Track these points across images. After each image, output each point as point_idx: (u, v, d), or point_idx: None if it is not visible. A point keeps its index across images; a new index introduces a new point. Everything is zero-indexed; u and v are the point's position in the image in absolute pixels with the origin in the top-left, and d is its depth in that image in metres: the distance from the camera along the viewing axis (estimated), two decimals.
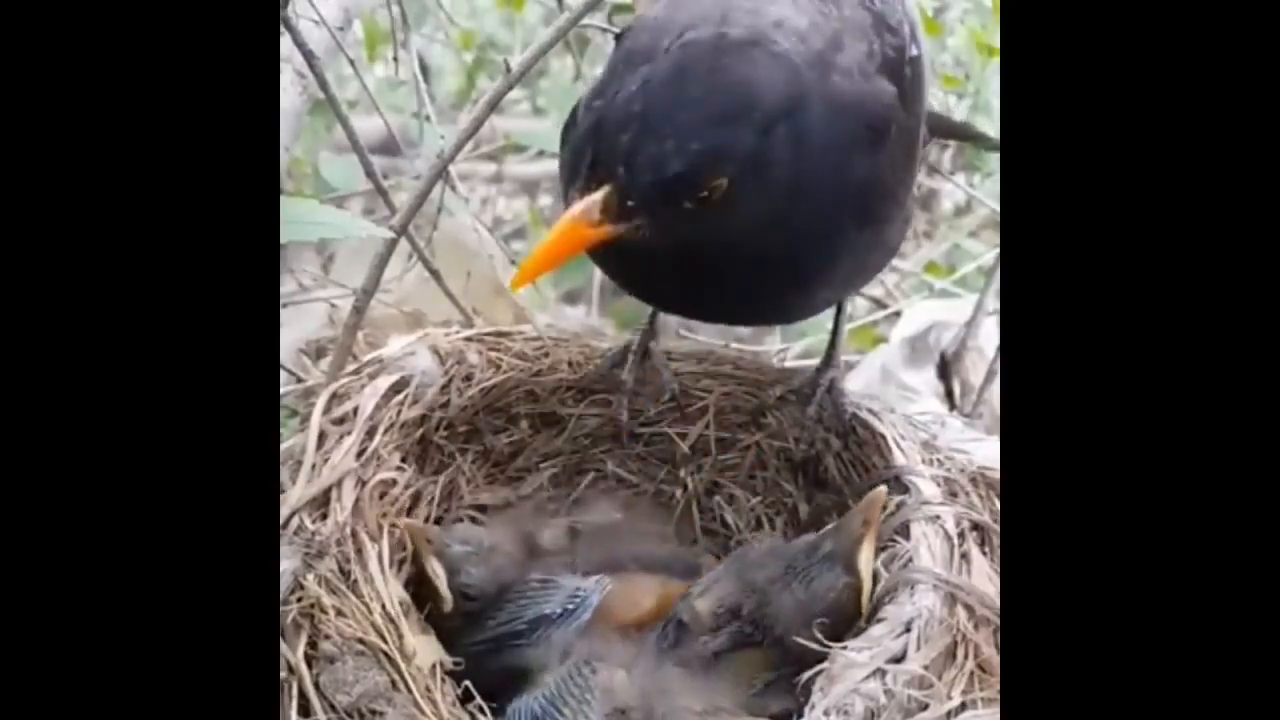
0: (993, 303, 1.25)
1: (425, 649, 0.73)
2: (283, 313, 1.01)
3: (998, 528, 0.81)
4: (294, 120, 1.04)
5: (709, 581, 0.82)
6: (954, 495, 0.84)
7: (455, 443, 0.93)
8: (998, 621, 0.73)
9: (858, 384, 1.18)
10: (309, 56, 0.92)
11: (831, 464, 0.93)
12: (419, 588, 0.80)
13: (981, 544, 0.80)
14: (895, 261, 1.18)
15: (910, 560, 0.77)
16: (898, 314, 1.40)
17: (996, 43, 1.26)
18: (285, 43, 0.90)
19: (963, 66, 1.46)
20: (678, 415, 0.97)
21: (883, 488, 0.81)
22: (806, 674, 0.72)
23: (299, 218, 0.69)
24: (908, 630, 0.72)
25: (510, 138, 1.54)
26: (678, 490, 0.97)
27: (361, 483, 0.81)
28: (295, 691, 0.70)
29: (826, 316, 0.97)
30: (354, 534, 0.77)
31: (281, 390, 0.99)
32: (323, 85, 0.93)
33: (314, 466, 0.81)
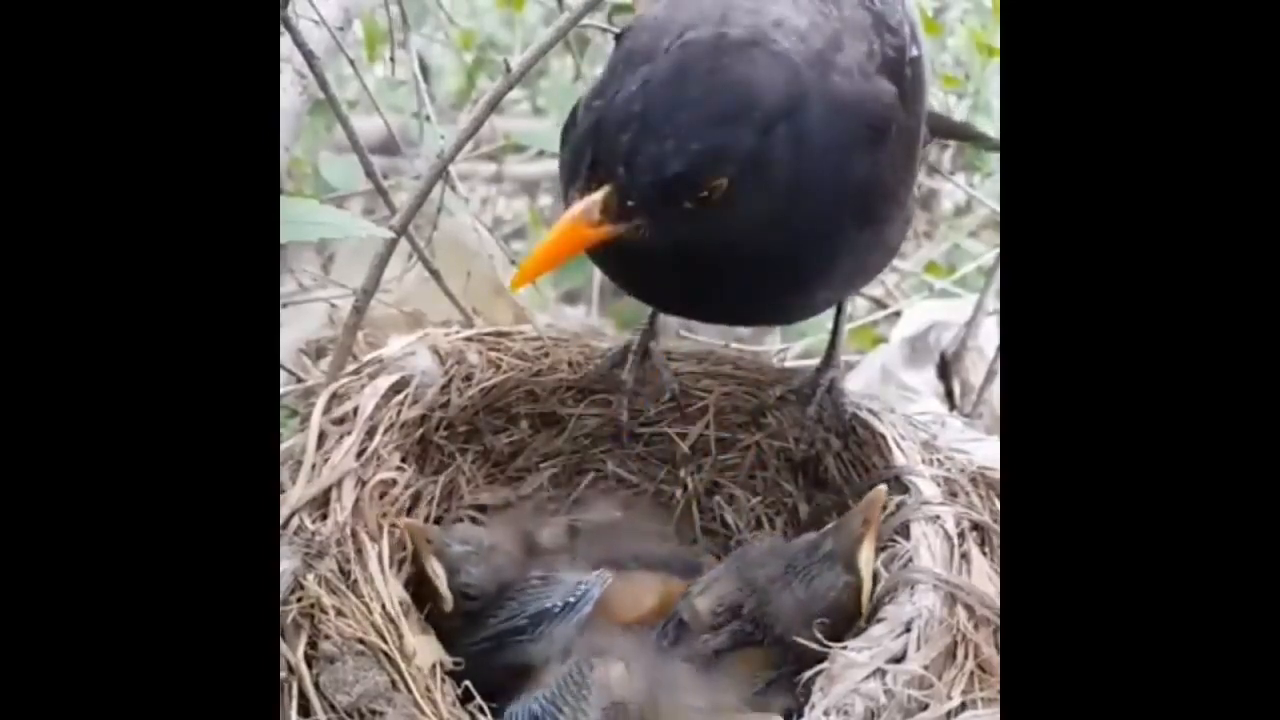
0: (993, 303, 1.25)
1: (425, 649, 0.73)
2: (283, 313, 1.01)
3: (998, 528, 0.81)
4: (294, 120, 1.04)
5: (709, 580, 0.82)
6: (954, 495, 0.84)
7: (455, 443, 0.93)
8: (998, 621, 0.73)
9: (858, 384, 1.18)
10: (309, 56, 0.92)
11: (831, 464, 0.93)
12: (419, 588, 0.80)
13: (981, 544, 0.80)
14: (895, 261, 1.18)
15: (910, 560, 0.77)
16: (898, 314, 1.40)
17: (996, 43, 1.26)
18: (285, 43, 0.90)
19: (963, 66, 1.46)
20: (678, 415, 0.97)
21: (883, 487, 0.81)
22: (807, 674, 0.73)
23: (299, 218, 0.69)
24: (908, 630, 0.72)
25: (510, 138, 1.54)
26: (678, 490, 0.97)
27: (361, 483, 0.81)
28: (295, 691, 0.70)
29: (826, 316, 0.97)
30: (354, 534, 0.77)
31: (281, 390, 0.99)
32: (323, 85, 0.93)
33: (314, 466, 0.81)
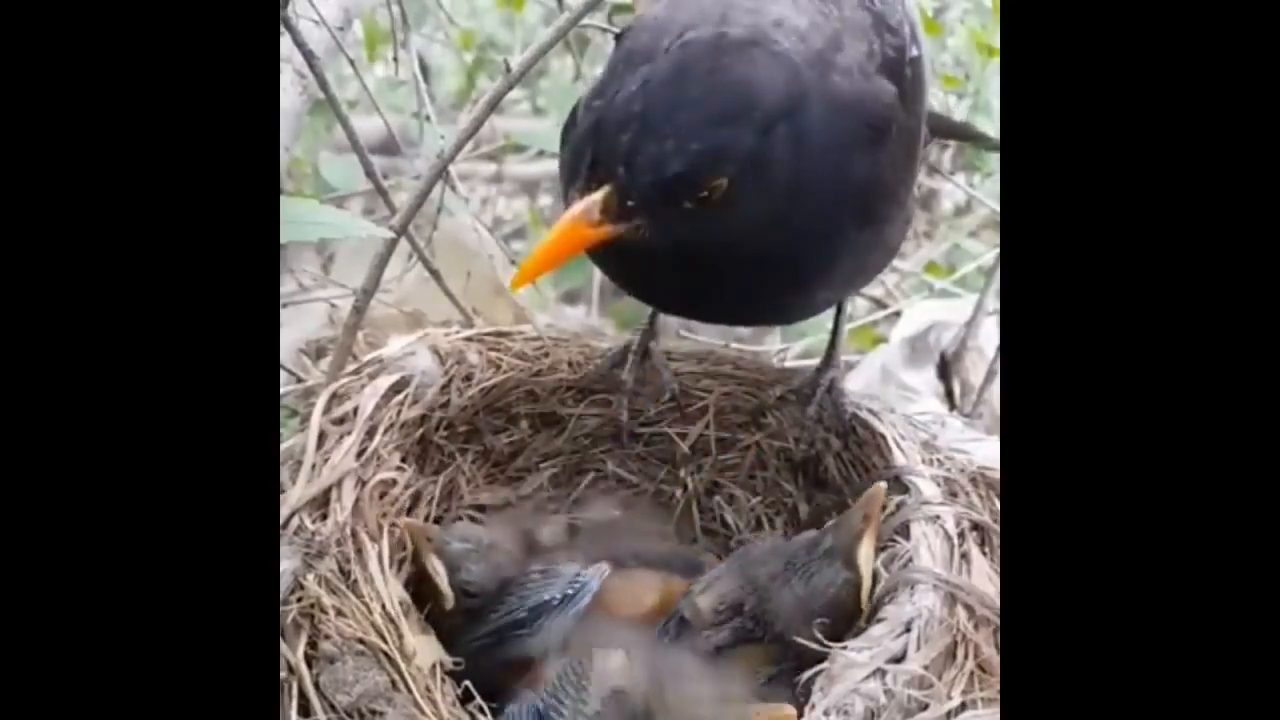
0: (993, 303, 1.25)
1: (425, 649, 0.73)
2: (283, 313, 1.01)
3: (998, 528, 0.81)
4: (294, 120, 1.04)
5: (711, 579, 0.82)
6: (954, 495, 0.84)
7: (455, 443, 0.93)
8: (998, 621, 0.73)
9: (858, 384, 1.18)
10: (309, 56, 0.92)
11: (831, 464, 0.93)
12: (419, 587, 0.80)
13: (981, 544, 0.80)
14: (895, 261, 1.18)
15: (910, 560, 0.77)
16: (898, 314, 1.40)
17: (996, 43, 1.26)
18: (285, 43, 0.90)
19: (963, 66, 1.46)
20: (678, 415, 0.97)
21: (882, 483, 0.81)
22: (807, 674, 0.73)
23: (299, 218, 0.69)
24: (908, 630, 0.72)
25: (510, 138, 1.54)
26: (678, 490, 0.97)
27: (361, 483, 0.81)
28: (295, 691, 0.70)
29: (826, 316, 0.97)
30: (354, 534, 0.77)
31: (281, 390, 0.99)
32: (323, 85, 0.93)
33: (314, 466, 0.81)
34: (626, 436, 0.97)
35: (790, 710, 0.72)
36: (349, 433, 0.83)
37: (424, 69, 1.42)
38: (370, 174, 0.96)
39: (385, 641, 0.71)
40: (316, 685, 0.70)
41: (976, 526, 0.81)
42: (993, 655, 0.72)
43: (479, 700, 0.73)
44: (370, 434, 0.84)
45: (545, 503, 0.95)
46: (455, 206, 1.21)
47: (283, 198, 0.65)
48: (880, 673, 0.70)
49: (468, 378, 0.93)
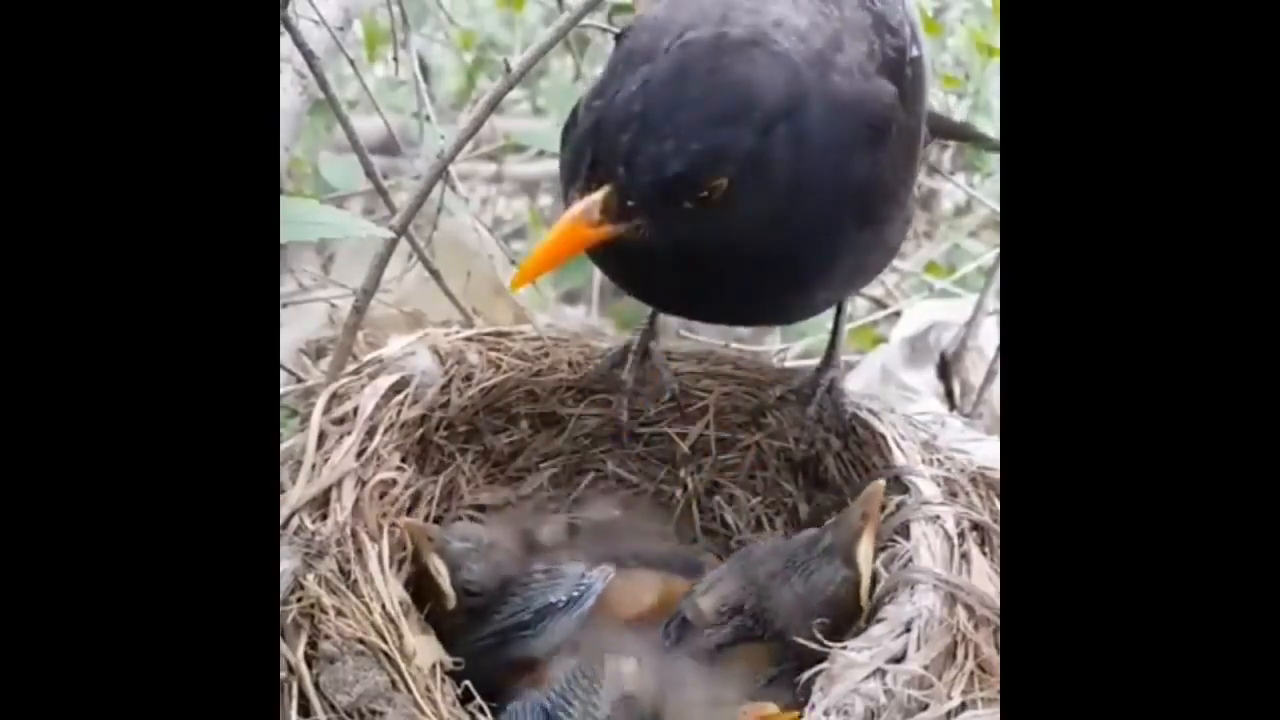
0: (993, 303, 1.25)
1: (425, 649, 0.73)
2: (283, 313, 1.01)
3: (998, 528, 0.81)
4: (294, 120, 1.04)
5: (713, 580, 0.82)
6: (954, 495, 0.84)
7: (455, 443, 0.93)
8: (998, 621, 0.73)
9: (858, 384, 1.18)
10: (309, 56, 0.92)
11: (831, 464, 0.93)
12: (420, 587, 0.80)
13: (981, 544, 0.80)
14: (895, 261, 1.18)
15: (910, 560, 0.77)
16: (898, 314, 1.40)
17: (996, 43, 1.26)
18: (285, 43, 0.90)
19: (963, 66, 1.46)
20: (678, 415, 0.97)
21: (881, 481, 0.81)
22: (807, 674, 0.73)
23: (299, 218, 0.69)
24: (908, 630, 0.72)
25: (510, 138, 1.54)
26: (678, 490, 0.97)
27: (361, 483, 0.81)
28: (295, 691, 0.70)
29: (826, 316, 0.97)
30: (354, 534, 0.77)
31: (281, 390, 0.99)
32: (323, 85, 0.93)
33: (314, 466, 0.81)
34: (626, 436, 0.97)
35: (773, 708, 0.72)
36: (349, 433, 0.83)
37: (424, 69, 1.42)
38: (370, 174, 0.96)
39: (385, 641, 0.72)
40: (316, 685, 0.70)
41: (976, 526, 0.81)
42: (993, 655, 0.72)
43: (479, 700, 0.73)
44: (370, 434, 0.84)
45: (545, 503, 0.95)
46: (455, 206, 1.21)
47: (283, 198, 0.65)
48: (880, 673, 0.70)
49: (468, 378, 0.93)
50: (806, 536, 0.82)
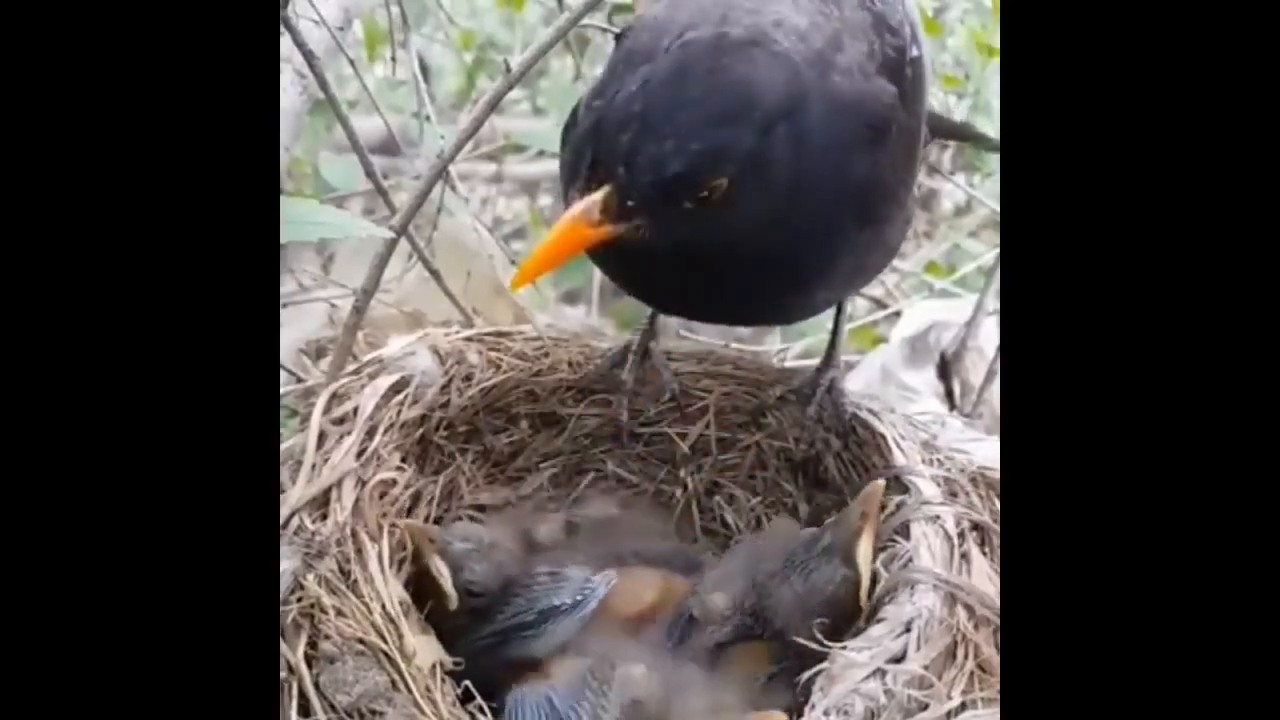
0: (993, 303, 1.25)
1: (425, 649, 0.73)
2: (283, 313, 1.01)
3: (998, 528, 0.81)
4: (294, 120, 1.04)
5: (719, 577, 0.82)
6: (954, 495, 0.84)
7: (455, 443, 0.93)
8: (998, 621, 0.73)
9: (858, 384, 1.18)
10: (309, 56, 0.92)
11: (831, 464, 0.93)
12: (421, 588, 0.80)
13: (981, 544, 0.80)
14: (895, 261, 1.18)
15: (910, 560, 0.77)
16: (898, 314, 1.40)
17: (996, 43, 1.26)
18: (285, 43, 0.90)
19: (963, 66, 1.46)
20: (678, 415, 0.97)
21: (880, 480, 0.81)
22: (807, 674, 0.73)
23: (299, 218, 0.69)
24: (908, 630, 0.72)
25: (510, 138, 1.54)
26: (678, 490, 0.97)
27: (361, 483, 0.81)
28: (295, 691, 0.70)
29: (826, 316, 0.97)
30: (354, 534, 0.77)
31: (281, 390, 0.99)
32: (323, 85, 0.93)
33: (314, 466, 0.81)
34: (626, 436, 0.97)
35: (780, 716, 0.72)
36: (349, 433, 0.83)
37: (424, 69, 1.42)
38: (370, 174, 0.96)
39: (385, 641, 0.71)
40: (316, 685, 0.70)
41: (976, 526, 0.81)
42: (993, 655, 0.72)
43: (479, 700, 0.73)
44: (370, 434, 0.84)
45: (545, 503, 0.95)
46: (455, 206, 1.21)
47: (283, 198, 0.65)
48: (880, 673, 0.70)
49: (468, 378, 0.93)
50: (806, 536, 0.82)
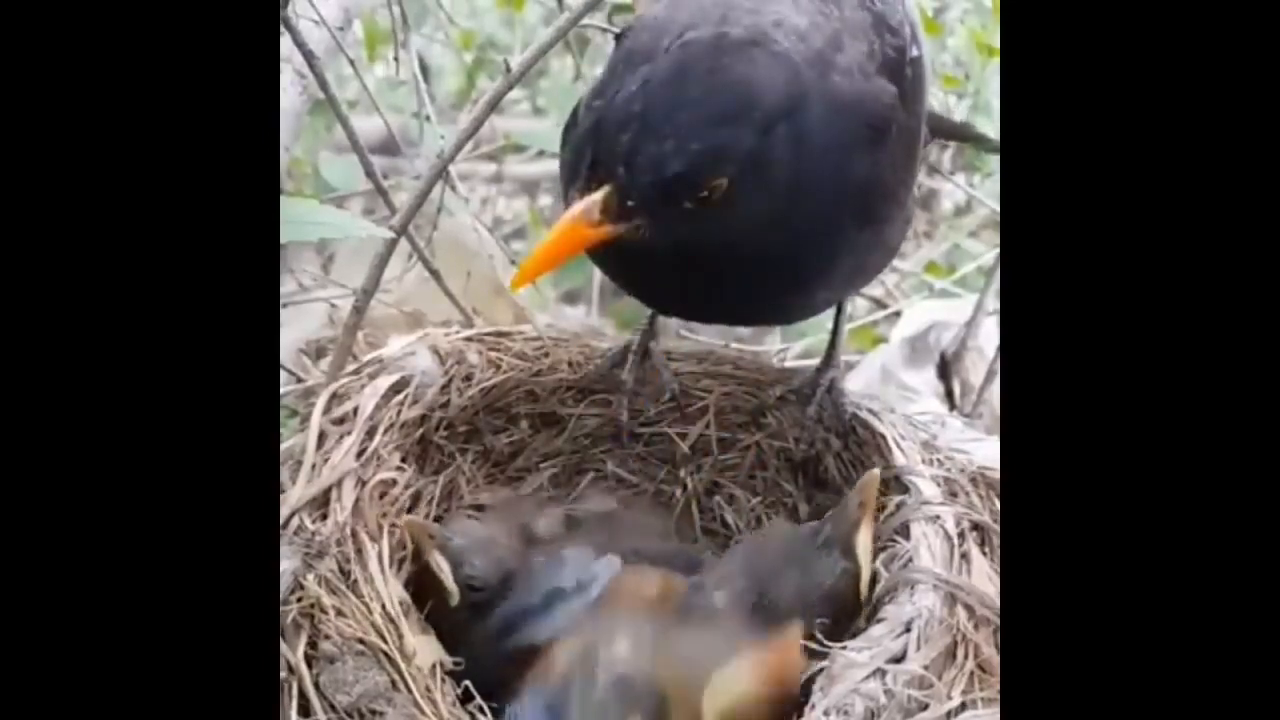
0: (993, 303, 1.25)
1: (425, 649, 0.73)
2: (283, 313, 1.01)
3: (998, 528, 0.81)
4: (294, 120, 1.04)
5: (722, 575, 0.82)
6: (954, 495, 0.84)
7: (455, 443, 0.93)
8: (998, 621, 0.73)
9: (858, 384, 1.18)
10: (309, 56, 0.92)
11: (831, 464, 0.93)
12: (421, 585, 0.80)
13: (981, 544, 0.80)
14: (895, 261, 1.18)
15: (910, 560, 0.77)
16: (898, 314, 1.40)
17: (996, 43, 1.26)
18: (285, 43, 0.90)
19: (963, 66, 1.46)
20: (678, 415, 0.97)
21: (876, 470, 0.81)
22: (806, 673, 0.73)
23: (299, 218, 0.69)
24: (908, 630, 0.72)
25: (510, 138, 1.54)
26: (678, 490, 0.97)
27: (361, 483, 0.81)
28: (295, 691, 0.70)
29: (826, 316, 0.97)
30: (354, 534, 0.77)
31: (281, 390, 0.99)
32: (323, 85, 0.93)
33: (314, 466, 0.81)
34: (626, 436, 0.97)
35: (796, 631, 0.72)
36: (349, 433, 0.83)
37: (424, 69, 1.42)
38: (370, 174, 0.96)
39: (385, 641, 0.72)
40: (316, 685, 0.70)
41: (976, 526, 0.81)
42: (993, 655, 0.72)
43: (479, 700, 0.73)
44: (370, 434, 0.84)
45: (545, 502, 0.95)
46: (455, 206, 1.21)
47: (283, 198, 0.65)
48: (880, 673, 0.70)
49: (468, 378, 0.93)
50: (806, 529, 0.83)
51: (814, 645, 0.73)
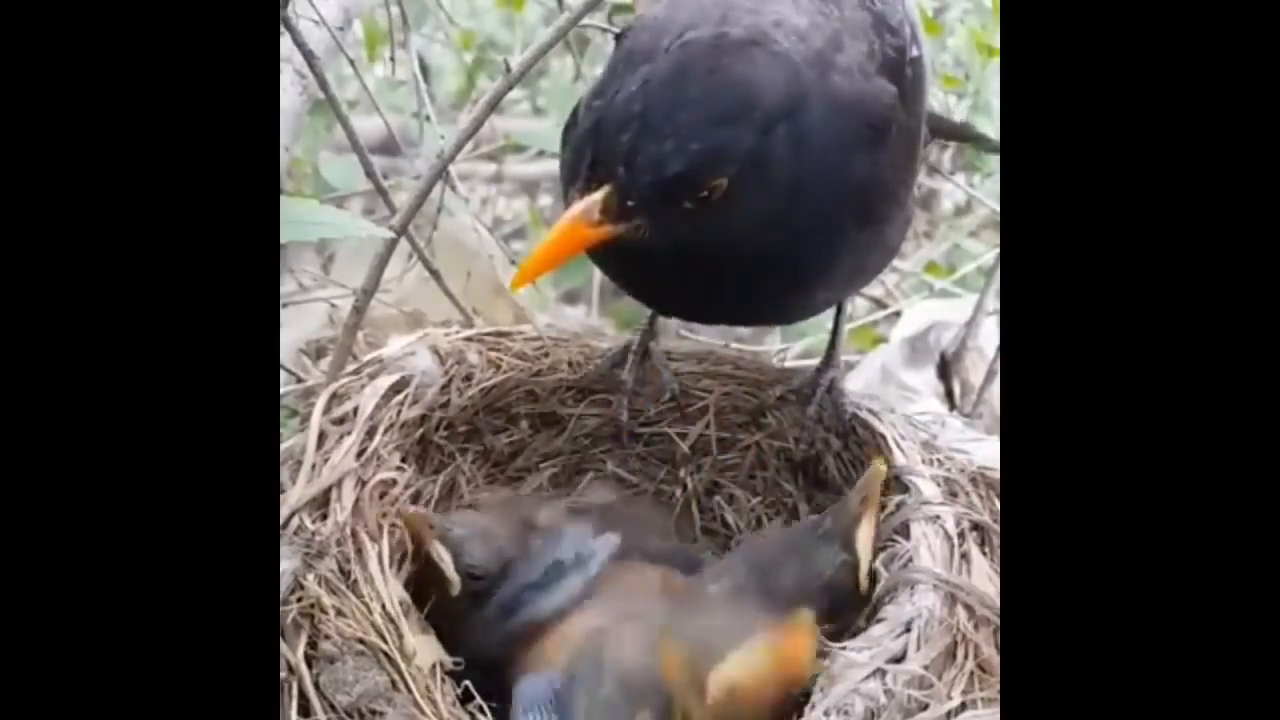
0: (993, 303, 1.25)
1: (425, 649, 0.73)
2: (283, 313, 1.01)
3: (998, 528, 0.81)
4: (294, 120, 1.04)
5: (722, 572, 0.82)
6: (954, 495, 0.84)
7: (455, 443, 0.93)
8: (998, 621, 0.73)
9: (858, 384, 1.18)
10: (309, 56, 0.92)
11: (831, 464, 0.93)
12: (422, 577, 0.80)
13: (981, 544, 0.80)
14: (895, 261, 1.18)
15: (910, 560, 0.77)
16: (898, 314, 1.40)
17: (996, 43, 1.26)
18: (285, 43, 0.90)
19: (963, 66, 1.46)
20: (678, 415, 0.97)
21: (881, 464, 0.81)
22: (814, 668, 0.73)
23: (299, 218, 0.69)
24: (908, 630, 0.72)
25: (510, 138, 1.54)
26: (678, 490, 0.97)
27: (361, 483, 0.81)
28: (295, 691, 0.70)
29: (826, 316, 0.97)
30: (354, 534, 0.77)
31: (281, 390, 0.99)
32: (323, 85, 0.93)
33: (314, 466, 0.81)
34: (626, 436, 0.97)
35: (808, 614, 0.73)
36: (349, 433, 0.83)
37: (424, 69, 1.42)
38: (370, 174, 0.96)
39: (385, 641, 0.71)
40: (316, 685, 0.70)
41: (976, 526, 0.81)
42: (993, 655, 0.72)
43: (479, 700, 0.73)
44: (370, 434, 0.84)
45: (545, 501, 0.95)
46: (455, 206, 1.21)
47: (283, 198, 0.65)
48: (880, 673, 0.70)
49: (468, 378, 0.93)
50: (808, 522, 0.83)
51: (820, 638, 0.73)
